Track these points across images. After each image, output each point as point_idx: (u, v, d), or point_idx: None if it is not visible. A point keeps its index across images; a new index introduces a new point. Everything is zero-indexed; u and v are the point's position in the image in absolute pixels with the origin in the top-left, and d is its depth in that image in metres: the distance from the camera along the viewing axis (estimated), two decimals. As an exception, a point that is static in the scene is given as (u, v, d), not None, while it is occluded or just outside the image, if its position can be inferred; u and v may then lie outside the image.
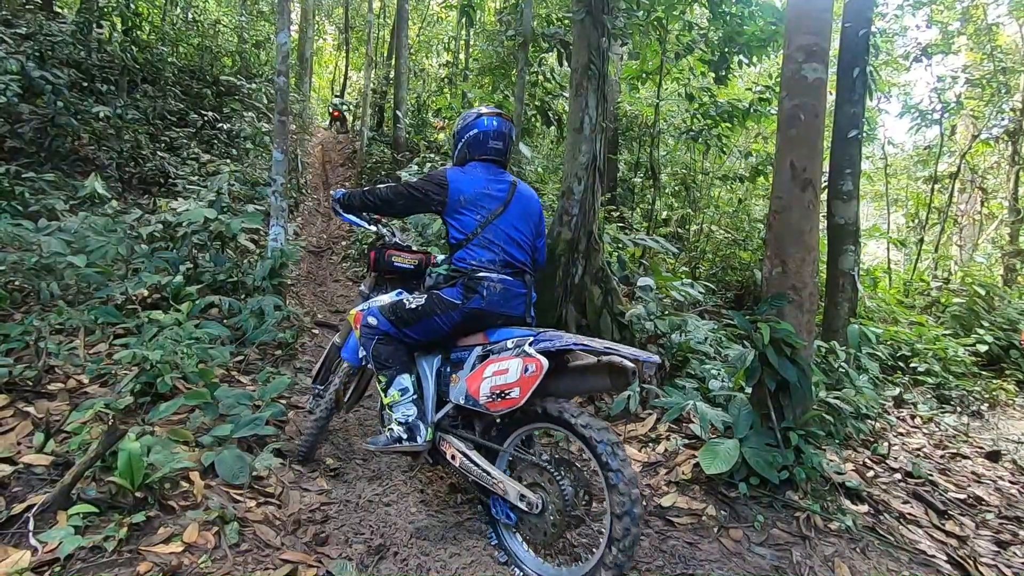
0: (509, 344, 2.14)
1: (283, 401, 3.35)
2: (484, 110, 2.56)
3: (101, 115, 6.64)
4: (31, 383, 2.79)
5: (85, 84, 7.21)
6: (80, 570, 1.76)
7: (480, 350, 2.25)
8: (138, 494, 2.11)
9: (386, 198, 2.52)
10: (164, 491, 2.20)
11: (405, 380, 2.38)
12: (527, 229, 2.49)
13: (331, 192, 2.65)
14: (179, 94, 9.05)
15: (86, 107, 6.65)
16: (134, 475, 2.09)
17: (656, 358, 1.98)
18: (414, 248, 2.86)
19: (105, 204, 5.21)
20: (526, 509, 2.03)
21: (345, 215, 2.69)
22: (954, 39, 10.17)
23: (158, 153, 7.35)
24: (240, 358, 3.83)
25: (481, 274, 2.30)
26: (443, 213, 2.42)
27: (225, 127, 8.90)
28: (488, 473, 2.14)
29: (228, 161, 8.09)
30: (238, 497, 2.36)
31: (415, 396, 2.38)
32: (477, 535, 2.41)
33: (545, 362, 1.95)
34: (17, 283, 3.84)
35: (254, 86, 10.60)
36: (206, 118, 8.86)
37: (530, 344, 2.04)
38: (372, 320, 2.45)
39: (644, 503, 2.64)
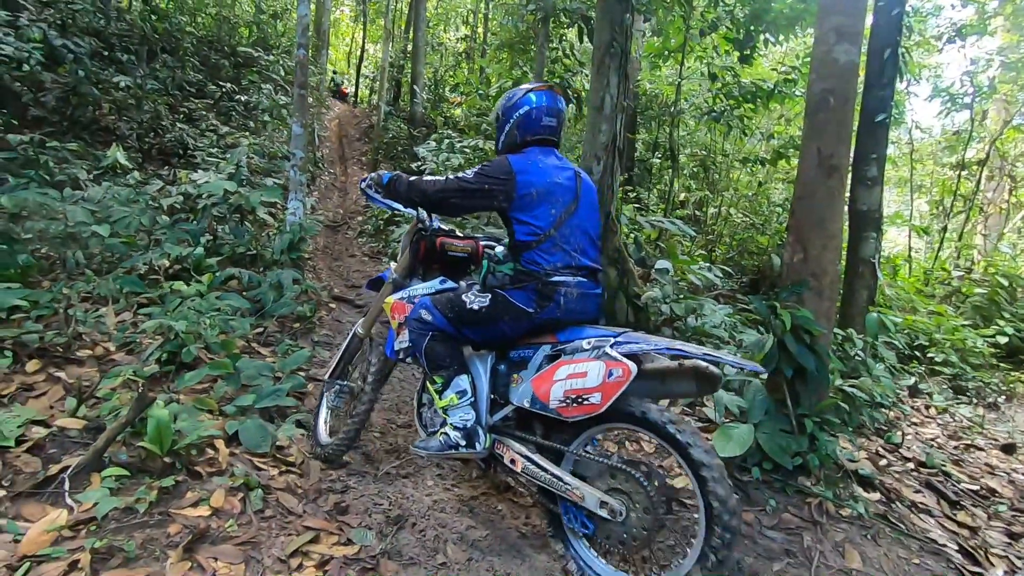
0: (585, 345, 1.93)
1: (302, 373, 3.42)
2: (531, 85, 2.27)
3: (122, 85, 6.67)
4: (61, 349, 2.87)
5: (105, 53, 7.22)
6: (114, 529, 1.84)
7: (549, 349, 2.04)
8: (166, 459, 2.18)
9: (436, 198, 2.19)
10: (191, 457, 2.27)
11: (463, 382, 2.16)
12: (597, 223, 2.25)
13: (368, 175, 2.44)
14: (197, 65, 9.04)
15: (107, 77, 6.68)
16: (163, 441, 2.16)
17: (761, 368, 1.84)
18: (459, 232, 2.65)
19: (127, 174, 5.26)
20: (608, 517, 1.84)
21: (380, 199, 2.42)
22: (991, 19, 9.79)
23: (177, 124, 7.38)
24: (260, 330, 3.90)
25: (556, 279, 2.03)
26: (508, 210, 2.09)
27: (243, 99, 8.90)
28: (560, 479, 1.94)
29: (246, 133, 8.11)
30: (261, 465, 2.43)
31: (474, 399, 2.17)
32: (491, 509, 2.46)
33: (634, 367, 1.77)
34: (44, 251, 3.92)
35: (271, 58, 10.55)
36: (224, 89, 8.86)
37: (612, 346, 1.85)
38: (426, 315, 2.20)
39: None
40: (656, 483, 1.84)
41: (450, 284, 2.47)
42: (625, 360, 1.79)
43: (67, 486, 1.96)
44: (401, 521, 2.25)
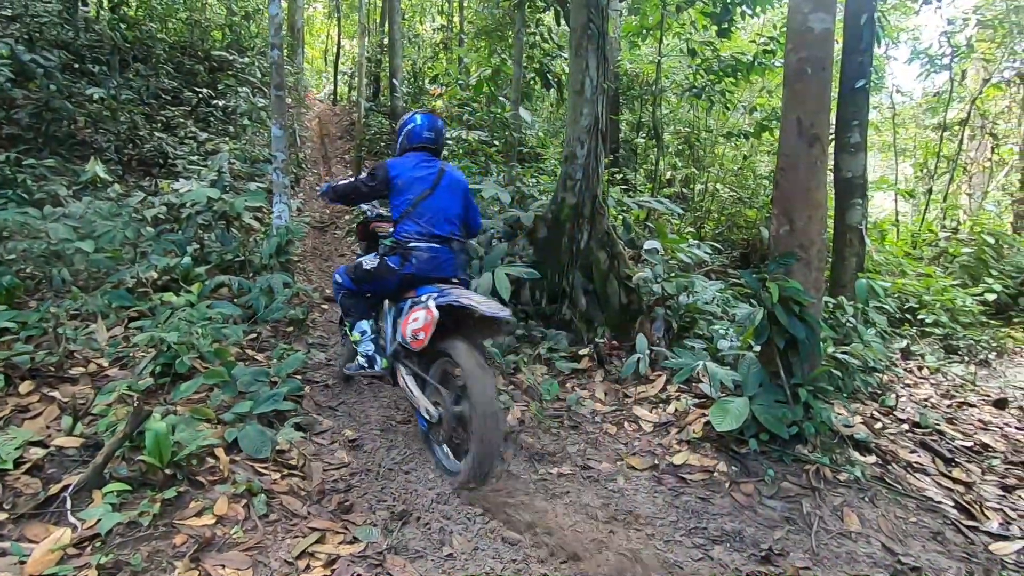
0: (423, 298, 2.70)
1: (299, 376, 3.42)
2: (417, 111, 3.19)
3: (95, 97, 6.54)
4: (53, 368, 2.85)
5: (76, 65, 7.09)
6: (119, 544, 1.84)
7: (411, 301, 2.83)
8: (167, 471, 2.18)
9: (345, 193, 3.10)
10: (192, 467, 2.27)
11: (364, 325, 3.09)
12: (455, 204, 2.99)
13: (317, 187, 3.21)
14: (171, 72, 8.87)
15: (79, 89, 6.56)
16: (162, 453, 2.16)
17: (507, 312, 2.51)
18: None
19: (107, 188, 5.19)
20: (428, 418, 2.67)
21: (333, 201, 3.23)
22: (965, -22, 9.76)
23: (155, 134, 7.27)
24: (253, 336, 3.89)
25: (412, 245, 2.84)
26: (387, 196, 2.97)
27: (220, 104, 8.76)
28: (412, 391, 2.80)
29: (226, 139, 8.01)
30: (263, 470, 2.43)
31: (373, 336, 3.08)
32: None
33: (436, 312, 2.53)
34: (28, 271, 3.88)
35: (247, 60, 10.38)
36: (200, 95, 8.71)
37: (433, 299, 2.61)
38: (339, 278, 3.15)
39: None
40: (455, 399, 2.59)
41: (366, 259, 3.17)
42: (434, 308, 2.55)
43: (69, 504, 1.96)
44: (405, 516, 2.27)
